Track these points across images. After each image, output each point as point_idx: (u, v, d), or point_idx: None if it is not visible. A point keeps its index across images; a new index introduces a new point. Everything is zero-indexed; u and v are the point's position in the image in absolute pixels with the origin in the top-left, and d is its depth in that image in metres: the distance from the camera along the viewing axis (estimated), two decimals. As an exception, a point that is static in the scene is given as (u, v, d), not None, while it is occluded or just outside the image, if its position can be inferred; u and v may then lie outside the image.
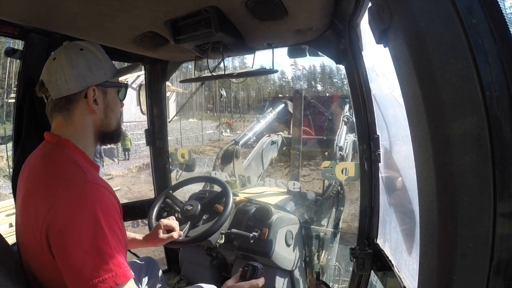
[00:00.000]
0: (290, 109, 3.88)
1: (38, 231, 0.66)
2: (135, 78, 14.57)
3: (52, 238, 0.65)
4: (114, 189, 0.79)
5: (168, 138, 1.93)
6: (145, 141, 1.87)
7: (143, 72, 1.70)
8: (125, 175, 11.65)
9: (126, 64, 1.44)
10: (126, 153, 13.81)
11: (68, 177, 0.70)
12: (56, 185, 0.69)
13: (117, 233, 0.68)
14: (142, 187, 9.56)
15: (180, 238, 1.26)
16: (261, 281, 0.98)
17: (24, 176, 0.79)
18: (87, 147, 0.83)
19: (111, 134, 0.89)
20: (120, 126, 0.92)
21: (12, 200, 3.82)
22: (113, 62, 0.92)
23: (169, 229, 1.24)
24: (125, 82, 0.92)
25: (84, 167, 0.73)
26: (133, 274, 0.69)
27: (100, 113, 0.83)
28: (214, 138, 20.95)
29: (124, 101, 0.93)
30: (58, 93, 0.77)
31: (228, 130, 24.07)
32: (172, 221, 1.26)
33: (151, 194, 2.11)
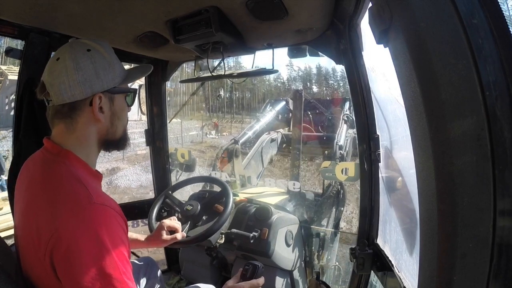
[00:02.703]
0: (291, 107, 3.87)
1: (41, 253, 0.63)
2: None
3: (57, 262, 0.62)
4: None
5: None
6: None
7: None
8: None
9: (130, 65, 1.42)
10: (95, 155, 12.94)
11: (72, 197, 0.66)
12: (60, 206, 0.65)
13: (124, 254, 0.66)
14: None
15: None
16: (261, 280, 0.97)
17: (24, 184, 0.75)
18: (90, 156, 0.78)
19: (117, 142, 0.83)
20: (126, 133, 0.86)
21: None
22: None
23: (172, 230, 1.24)
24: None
25: (88, 184, 0.69)
26: None
27: (106, 121, 0.77)
28: (197, 140, 19.04)
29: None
30: (61, 99, 0.71)
31: (213, 132, 21.88)
32: (174, 222, 1.25)
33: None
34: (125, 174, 10.95)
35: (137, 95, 0.91)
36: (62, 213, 0.63)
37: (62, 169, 0.71)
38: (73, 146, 0.74)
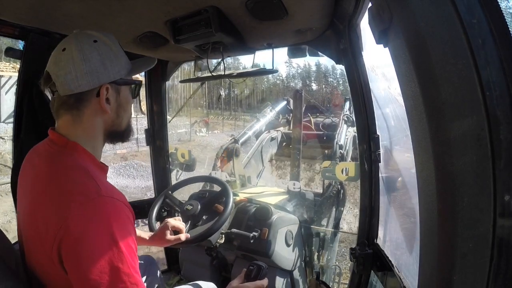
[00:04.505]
0: (291, 107, 3.86)
1: (48, 245, 0.62)
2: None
3: (65, 254, 0.61)
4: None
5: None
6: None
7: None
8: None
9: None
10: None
11: (80, 190, 0.65)
12: (68, 197, 0.64)
13: (132, 248, 0.66)
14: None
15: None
16: (265, 282, 0.97)
17: (28, 177, 0.74)
18: (96, 148, 0.78)
19: (122, 133, 0.83)
20: (131, 125, 0.86)
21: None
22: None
23: (176, 230, 1.23)
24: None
25: (95, 177, 0.68)
26: None
27: (112, 113, 0.77)
28: (185, 138, 17.82)
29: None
30: (67, 89, 0.70)
31: (203, 129, 20.67)
32: (179, 223, 1.24)
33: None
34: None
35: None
36: (70, 204, 0.63)
37: (69, 161, 0.70)
38: (79, 138, 0.74)
